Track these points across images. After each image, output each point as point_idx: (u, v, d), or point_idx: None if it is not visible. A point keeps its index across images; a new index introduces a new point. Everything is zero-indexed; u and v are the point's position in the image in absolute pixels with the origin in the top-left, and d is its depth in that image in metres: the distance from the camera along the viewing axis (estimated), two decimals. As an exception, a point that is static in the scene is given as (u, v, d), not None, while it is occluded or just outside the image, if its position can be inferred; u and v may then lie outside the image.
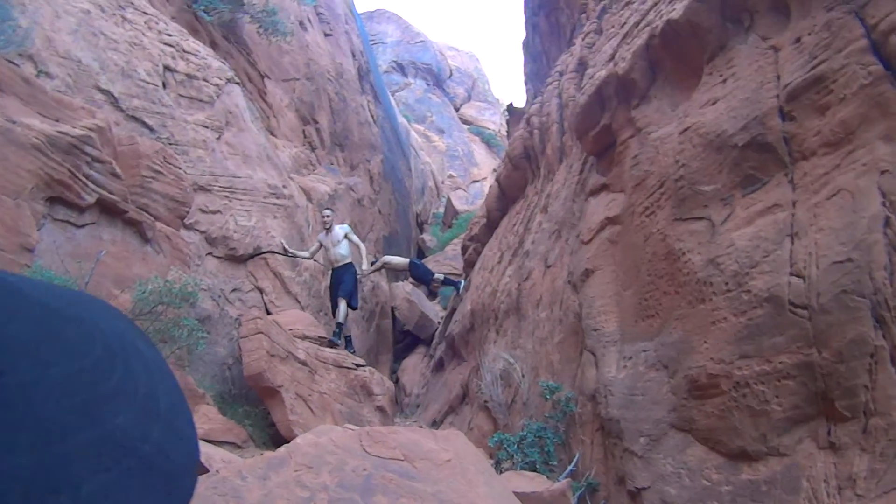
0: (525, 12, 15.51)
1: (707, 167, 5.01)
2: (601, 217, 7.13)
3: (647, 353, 5.45)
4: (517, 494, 5.09)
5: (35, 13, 7.76)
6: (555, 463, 6.60)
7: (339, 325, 11.57)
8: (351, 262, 12.25)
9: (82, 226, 6.87)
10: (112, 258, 7.08)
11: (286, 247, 11.48)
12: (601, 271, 6.88)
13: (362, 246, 12.58)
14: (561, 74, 10.49)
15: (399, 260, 15.93)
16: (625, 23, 7.08)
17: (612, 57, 7.11)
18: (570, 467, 6.25)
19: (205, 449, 5.35)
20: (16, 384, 0.49)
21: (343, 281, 12.00)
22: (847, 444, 3.54)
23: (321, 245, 12.13)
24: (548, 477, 6.26)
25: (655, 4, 6.25)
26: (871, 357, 3.46)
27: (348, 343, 11.84)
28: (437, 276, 16.07)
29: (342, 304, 11.76)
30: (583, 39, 9.40)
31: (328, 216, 12.25)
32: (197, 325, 6.79)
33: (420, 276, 16.19)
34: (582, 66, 9.12)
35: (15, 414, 0.48)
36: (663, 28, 5.83)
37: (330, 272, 12.39)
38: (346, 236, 12.23)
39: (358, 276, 12.38)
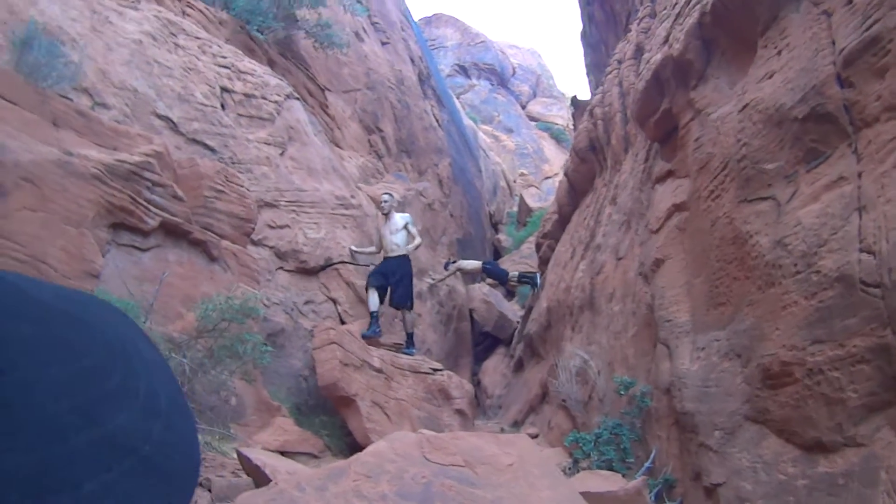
0: (580, 3, 15.34)
1: (769, 144, 4.78)
2: (668, 204, 6.94)
3: (720, 343, 5.24)
4: (591, 495, 4.96)
5: (86, 47, 7.91)
6: (631, 460, 6.44)
7: (410, 336, 11.48)
8: (406, 256, 11.62)
9: (147, 249, 6.98)
10: (179, 278, 7.18)
11: (353, 249, 11.31)
12: (671, 260, 6.69)
13: (418, 240, 11.94)
14: (619, 62, 10.29)
15: (472, 263, 15.94)
16: (676, 3, 6.87)
17: (667, 39, 6.90)
18: (646, 464, 6.08)
19: (273, 462, 5.38)
20: (16, 383, 0.49)
21: (399, 279, 11.37)
22: (929, 432, 3.29)
23: (378, 232, 11.67)
24: (624, 475, 6.12)
25: (704, -20, 6.04)
26: (950, 335, 3.22)
27: (410, 343, 11.52)
28: (512, 274, 16.01)
29: (408, 315, 11.51)
30: (638, 24, 9.21)
31: (386, 201, 11.63)
32: (260, 340, 6.82)
33: (496, 276, 16.18)
34: (639, 51, 8.94)
35: (15, 413, 0.48)
36: (714, 3, 5.62)
37: (381, 261, 11.57)
38: (405, 226, 11.65)
39: (414, 276, 11.90)
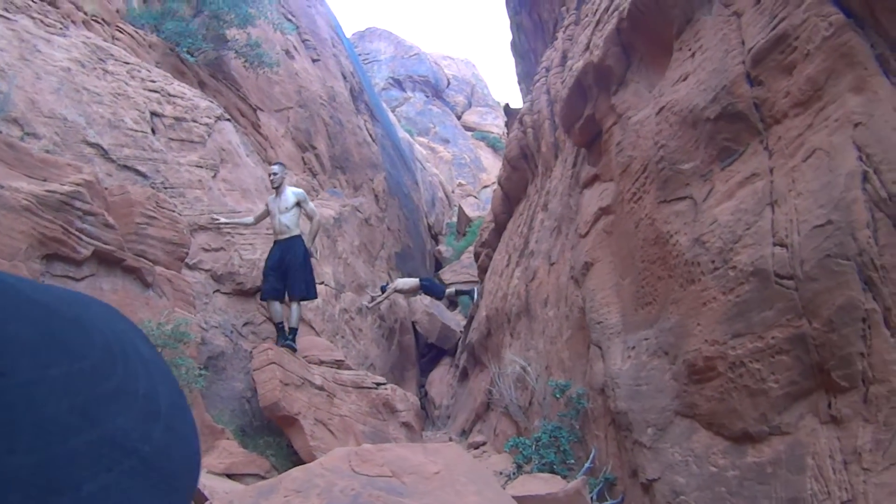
0: (508, 12, 15.49)
1: (684, 145, 4.90)
2: (595, 208, 7.06)
3: (649, 342, 5.34)
4: (532, 497, 5.01)
5: (14, 77, 7.82)
6: (572, 461, 6.51)
7: (293, 331, 9.99)
8: (299, 236, 10.22)
9: (81, 279, 6.90)
10: (115, 306, 7.01)
11: (216, 217, 9.93)
12: (600, 263, 6.79)
13: (316, 218, 10.46)
14: (547, 70, 10.42)
15: (409, 282, 15.96)
16: (597, 9, 6.99)
17: (588, 46, 7.04)
18: (586, 464, 6.15)
19: (212, 483, 5.34)
20: (16, 385, 0.49)
21: (290, 266, 10.01)
22: (849, 416, 3.38)
23: (267, 210, 10.23)
24: (566, 476, 6.18)
25: (620, -14, 6.16)
26: (863, 322, 3.30)
27: (288, 336, 9.96)
28: (448, 291, 16.10)
29: (295, 308, 10.06)
30: (564, 32, 9.35)
31: (276, 173, 10.20)
32: (193, 364, 6.78)
33: (433, 293, 16.21)
34: (565, 59, 9.07)
35: (15, 414, 0.48)
36: (630, 9, 5.75)
37: (272, 245, 10.25)
38: (297, 203, 10.18)
39: (311, 254, 10.44)
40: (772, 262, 3.76)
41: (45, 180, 6.72)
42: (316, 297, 10.93)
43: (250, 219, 10.26)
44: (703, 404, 4.37)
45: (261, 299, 10.14)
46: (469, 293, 15.21)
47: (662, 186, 5.21)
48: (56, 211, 6.48)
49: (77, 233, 6.70)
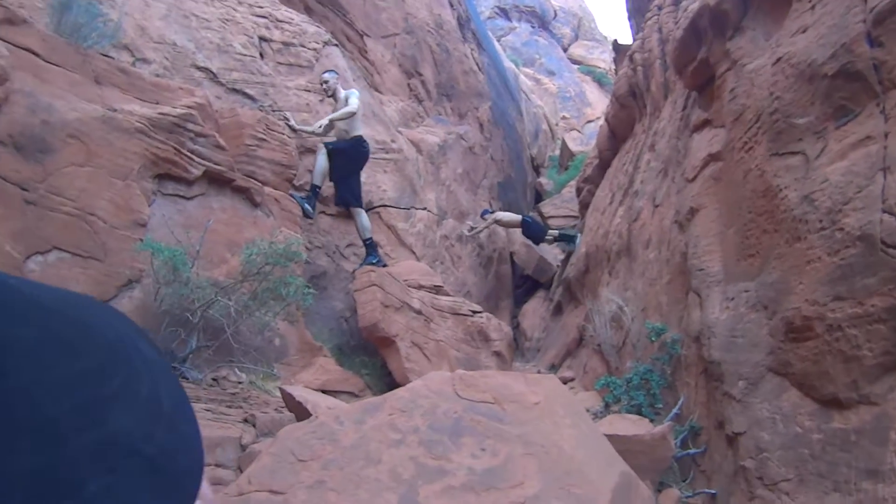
0: (621, -54, 15.09)
1: (800, 99, 4.80)
2: (704, 153, 6.96)
3: (749, 294, 5.32)
4: (619, 437, 5.11)
5: (124, 5, 8.06)
6: (660, 406, 6.57)
7: (365, 243, 9.98)
8: (357, 139, 9.88)
9: (192, 198, 7.21)
10: (223, 225, 7.39)
11: (288, 118, 9.71)
12: (706, 209, 6.72)
13: (348, 109, 9.63)
14: (660, 8, 10.20)
15: (510, 216, 15.84)
16: (715, -49, 6.81)
17: (704, -13, 6.87)
18: (674, 410, 6.21)
19: (314, 398, 5.58)
20: (18, 386, 0.49)
21: (350, 171, 9.89)
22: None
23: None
24: (652, 420, 6.25)
25: (740, -70, 5.99)
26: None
27: (372, 251, 10.01)
28: (550, 233, 15.97)
29: (363, 216, 9.93)
30: (678, -30, 9.12)
31: (326, 81, 9.95)
32: (303, 282, 7.02)
33: (533, 235, 16.06)
34: (679, -3, 8.86)
35: (17, 416, 0.48)
36: (750, -45, 5.61)
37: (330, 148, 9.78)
38: (346, 102, 9.73)
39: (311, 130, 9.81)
40: (879, 228, 3.72)
41: (157, 103, 7.00)
42: (352, 206, 10.08)
43: (317, 126, 9.86)
44: (797, 364, 4.38)
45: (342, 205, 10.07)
46: (570, 239, 15.09)
47: (775, 138, 5.13)
48: (168, 132, 6.79)
49: (189, 153, 7.03)
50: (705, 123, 7.25)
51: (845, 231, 3.99)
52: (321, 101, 10.56)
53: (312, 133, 9.86)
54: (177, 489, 0.59)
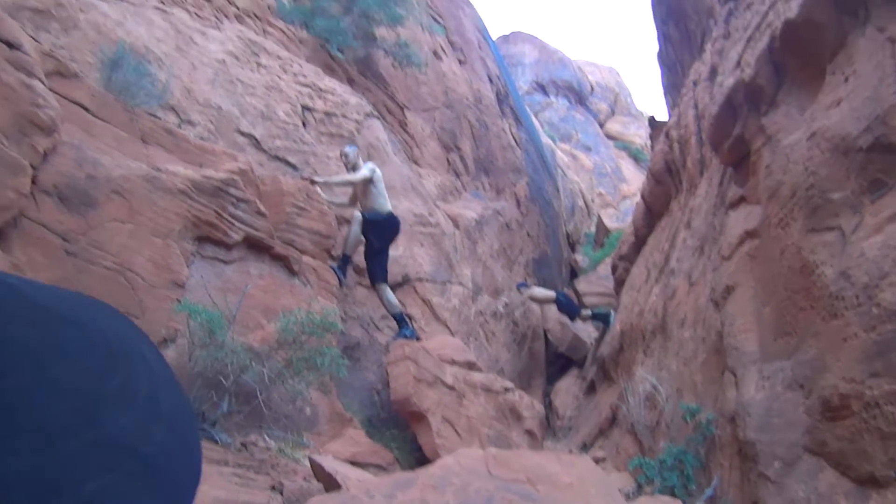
0: (655, 22, 15.18)
1: (835, 173, 4.73)
2: (740, 231, 6.88)
3: (784, 373, 5.18)
4: (652, 521, 4.95)
5: (172, 67, 8.24)
6: (693, 487, 6.37)
7: (399, 314, 9.75)
8: (391, 213, 9.74)
9: (230, 262, 7.26)
10: (260, 291, 7.42)
11: (317, 180, 9.28)
12: (742, 287, 6.61)
13: (355, 177, 9.46)
14: (695, 84, 10.21)
15: (545, 293, 15.81)
16: (748, 26, 6.83)
17: (738, 63, 6.86)
18: (707, 492, 6.01)
19: (344, 470, 5.49)
20: (17, 386, 0.49)
21: (380, 248, 9.69)
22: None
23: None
24: (685, 502, 6.06)
25: (773, 4, 5.99)
26: None
27: (404, 323, 9.76)
28: (584, 311, 15.89)
29: (387, 292, 9.70)
30: (712, 45, 9.13)
31: (346, 154, 9.64)
32: (338, 353, 6.97)
33: (567, 310, 15.99)
34: (714, 73, 8.85)
35: (16, 416, 0.48)
36: (782, 29, 5.58)
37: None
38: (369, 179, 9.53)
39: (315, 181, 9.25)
40: (917, 303, 3.62)
41: (201, 166, 7.10)
42: (377, 281, 9.78)
43: (343, 199, 9.82)
44: (833, 442, 4.23)
45: (372, 283, 9.82)
46: (604, 319, 14.97)
47: (811, 214, 5.05)
48: (210, 196, 6.85)
49: (230, 218, 7.07)
50: (741, 200, 7.18)
51: (882, 307, 3.89)
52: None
53: (325, 183, 9.52)
54: (174, 490, 0.59)
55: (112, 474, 0.52)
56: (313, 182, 9.26)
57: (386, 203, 9.78)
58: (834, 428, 4.23)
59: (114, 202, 5.95)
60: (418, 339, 9.77)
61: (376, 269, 9.74)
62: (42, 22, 6.87)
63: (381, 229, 9.73)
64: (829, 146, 4.81)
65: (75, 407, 0.53)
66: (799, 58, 5.69)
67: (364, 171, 9.51)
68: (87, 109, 6.17)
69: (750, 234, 6.65)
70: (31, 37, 6.10)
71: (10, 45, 4.85)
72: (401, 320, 9.85)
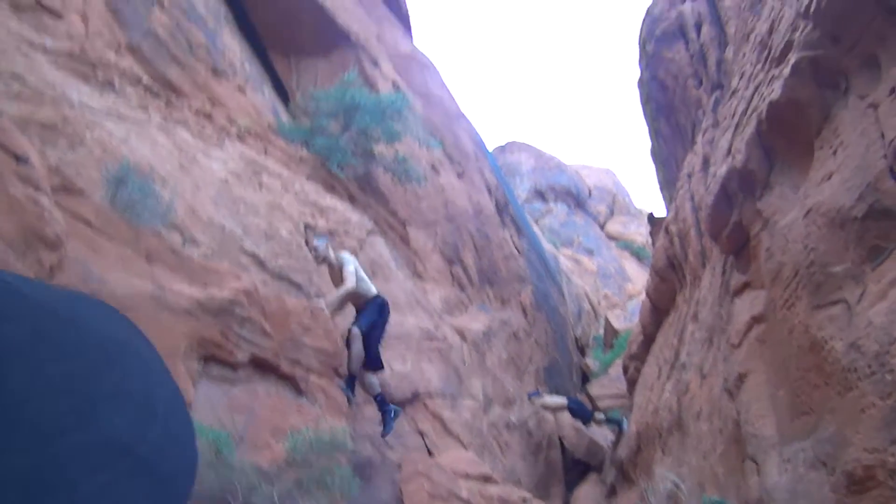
0: (645, 119, 15.46)
1: (834, 247, 4.73)
2: (747, 317, 6.84)
3: (805, 453, 5.05)
4: None
5: (176, 185, 8.33)
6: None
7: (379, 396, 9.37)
8: (379, 295, 9.61)
9: (237, 382, 7.20)
10: (268, 410, 7.33)
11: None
12: (754, 374, 6.54)
13: (348, 286, 9.19)
14: (689, 176, 10.31)
15: (556, 400, 15.74)
16: (734, 112, 6.94)
17: (729, 150, 6.95)
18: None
19: None
20: (12, 385, 0.49)
21: (378, 334, 9.38)
22: None
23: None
24: None
25: (757, 89, 6.10)
26: None
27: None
28: (597, 415, 15.76)
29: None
30: (703, 136, 9.28)
31: (316, 248, 9.48)
32: (349, 472, 6.84)
33: (580, 416, 15.88)
34: (707, 163, 8.97)
35: (11, 415, 0.48)
36: (768, 111, 5.68)
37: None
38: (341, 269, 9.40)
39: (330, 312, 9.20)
40: (931, 365, 3.55)
41: (205, 285, 7.08)
42: (377, 368, 9.48)
43: (337, 301, 9.37)
44: (863, 517, 4.10)
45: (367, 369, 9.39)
46: (618, 423, 14.82)
47: (815, 291, 5.02)
48: (216, 315, 6.82)
49: (235, 337, 7.02)
50: (745, 286, 7.16)
51: (895, 371, 3.81)
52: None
53: (335, 310, 9.38)
54: (170, 489, 0.58)
55: (107, 474, 0.52)
56: (335, 309, 9.28)
57: (370, 287, 9.63)
58: (861, 501, 4.11)
59: (119, 321, 5.93)
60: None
61: (373, 355, 9.37)
62: (50, 137, 6.98)
63: (379, 313, 9.53)
64: (826, 221, 4.82)
65: (71, 406, 0.52)
66: (787, 138, 5.76)
67: (349, 267, 9.34)
68: (92, 226, 6.21)
69: (757, 319, 6.60)
70: (39, 151, 6.20)
71: (19, 158, 4.91)
72: (383, 402, 9.42)
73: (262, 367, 7.48)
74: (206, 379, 6.77)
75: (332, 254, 9.58)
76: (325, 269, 9.86)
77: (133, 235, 6.63)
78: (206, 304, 6.76)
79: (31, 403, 0.49)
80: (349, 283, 9.25)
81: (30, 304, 0.56)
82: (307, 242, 9.92)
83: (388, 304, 9.71)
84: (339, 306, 9.51)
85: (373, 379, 9.41)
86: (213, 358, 6.83)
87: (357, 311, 9.51)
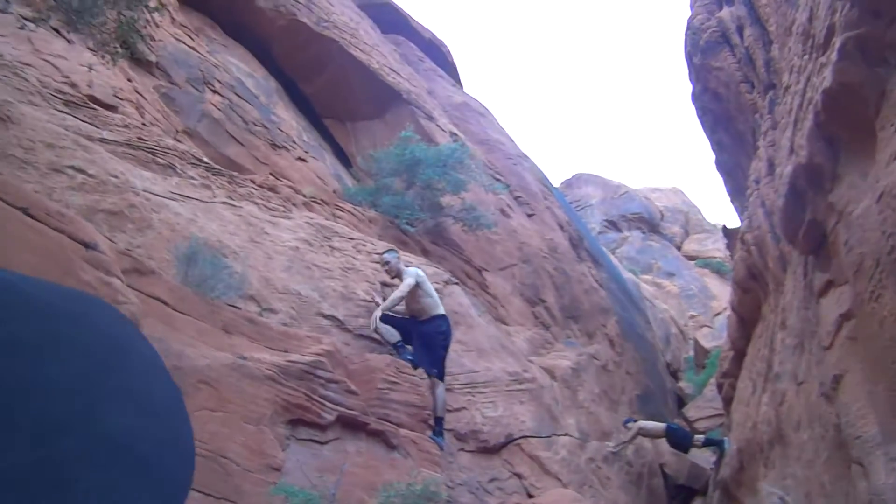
0: (705, 133, 15.28)
1: (913, 227, 4.52)
2: (835, 316, 6.58)
3: (912, 449, 4.81)
4: None
5: (247, 258, 8.54)
6: None
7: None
8: (441, 315, 9.80)
9: (326, 442, 7.27)
10: (360, 468, 7.41)
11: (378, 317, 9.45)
12: (850, 373, 6.27)
13: (405, 288, 9.52)
14: (757, 182, 10.10)
15: (654, 426, 15.34)
16: (791, 109, 6.77)
17: (792, 148, 6.77)
18: None
19: None
20: (14, 383, 0.53)
21: (434, 346, 9.56)
22: None
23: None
24: None
25: (808, 80, 5.95)
26: None
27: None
28: (696, 438, 15.39)
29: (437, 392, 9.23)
30: (764, 139, 9.10)
31: (388, 262, 10.07)
32: (445, 522, 6.80)
33: (679, 443, 15.44)
34: (772, 166, 8.78)
35: (13, 413, 0.52)
36: (823, 101, 5.51)
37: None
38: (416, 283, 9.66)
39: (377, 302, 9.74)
40: None
41: (286, 351, 7.24)
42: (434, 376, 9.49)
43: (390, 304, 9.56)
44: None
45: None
46: (719, 444, 14.40)
47: (900, 277, 4.81)
48: (299, 379, 6.95)
49: (320, 399, 7.15)
50: (829, 285, 6.91)
51: None
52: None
53: (386, 308, 9.56)
54: (169, 487, 0.62)
55: (107, 471, 0.55)
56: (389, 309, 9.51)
57: (438, 306, 9.84)
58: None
59: (202, 392, 6.05)
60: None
61: (436, 364, 9.50)
62: (117, 223, 7.23)
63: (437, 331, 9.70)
64: (899, 202, 4.62)
65: (72, 405, 0.55)
66: (847, 124, 5.58)
67: (409, 278, 9.63)
68: (166, 304, 6.39)
69: (845, 317, 6.34)
70: (107, 237, 6.37)
71: (87, 245, 5.03)
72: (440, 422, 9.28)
73: (351, 425, 7.56)
74: (294, 442, 6.87)
75: (402, 266, 10.02)
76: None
77: (209, 309, 6.80)
78: (289, 368, 6.89)
79: (33, 402, 0.51)
80: (403, 287, 9.55)
81: (34, 304, 0.57)
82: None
83: (448, 321, 9.94)
84: (390, 308, 9.61)
85: (443, 393, 9.36)
86: (300, 421, 6.94)
87: (418, 321, 9.73)
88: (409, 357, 9.32)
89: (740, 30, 10.53)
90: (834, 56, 5.21)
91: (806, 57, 6.10)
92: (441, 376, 9.50)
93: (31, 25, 7.66)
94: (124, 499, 0.50)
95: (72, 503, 0.47)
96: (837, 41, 5.15)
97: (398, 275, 9.99)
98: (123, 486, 0.50)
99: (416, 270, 9.93)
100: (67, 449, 0.47)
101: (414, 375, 8.82)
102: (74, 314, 0.58)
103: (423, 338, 9.62)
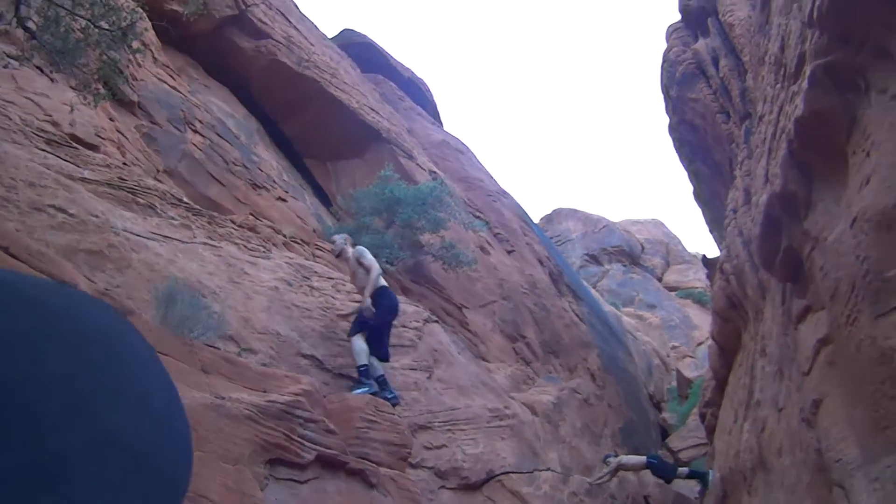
0: (683, 164, 15.46)
1: (885, 251, 4.62)
2: (813, 341, 6.65)
3: (892, 469, 4.85)
4: None
5: (227, 298, 8.51)
6: None
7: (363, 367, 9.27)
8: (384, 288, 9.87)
9: (305, 481, 7.20)
10: (340, 509, 7.30)
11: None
12: (829, 397, 6.33)
13: (374, 274, 9.67)
14: (734, 212, 10.22)
15: (635, 459, 15.26)
16: (765, 138, 6.89)
17: (766, 176, 6.88)
18: None
19: None
20: (9, 381, 0.49)
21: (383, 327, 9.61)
22: None
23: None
24: None
25: (781, 109, 6.07)
26: None
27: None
28: (680, 470, 15.36)
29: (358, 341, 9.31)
30: (740, 169, 9.22)
31: (336, 240, 10.38)
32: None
33: (662, 475, 15.39)
34: (748, 195, 8.89)
35: (7, 411, 0.48)
36: (795, 129, 5.62)
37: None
38: (358, 261, 9.92)
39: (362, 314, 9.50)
40: None
41: (264, 391, 7.19)
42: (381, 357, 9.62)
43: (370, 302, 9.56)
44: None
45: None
46: (702, 477, 14.36)
47: (874, 300, 4.88)
48: (278, 419, 6.89)
49: (299, 439, 7.08)
50: (807, 311, 6.99)
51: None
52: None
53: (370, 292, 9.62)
54: (166, 486, 0.58)
55: (103, 471, 0.52)
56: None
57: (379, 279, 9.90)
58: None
59: (180, 433, 5.99)
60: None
61: (381, 347, 9.61)
62: (97, 263, 7.21)
63: (381, 306, 9.70)
64: (872, 225, 4.72)
65: (67, 402, 0.52)
66: (819, 151, 5.69)
67: (368, 255, 9.99)
68: (146, 344, 6.34)
69: (823, 342, 6.42)
70: (87, 277, 6.36)
71: (65, 285, 5.04)
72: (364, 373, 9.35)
73: (330, 464, 7.51)
74: (273, 482, 6.82)
75: (349, 248, 10.13)
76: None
77: (187, 350, 6.79)
78: (267, 408, 6.85)
79: (28, 400, 0.49)
80: (375, 266, 9.77)
81: (26, 300, 0.57)
82: None
83: (395, 297, 10.22)
84: (372, 290, 9.67)
85: (375, 362, 9.44)
86: (279, 461, 6.89)
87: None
88: (389, 395, 9.28)
89: (716, 61, 10.71)
90: (805, 84, 5.32)
91: (778, 86, 6.22)
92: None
93: (15, 63, 7.69)
94: (122, 496, 0.52)
95: (68, 502, 0.49)
96: (808, 69, 5.26)
97: (342, 254, 10.24)
98: (121, 482, 0.52)
99: (363, 248, 10.22)
100: (64, 446, 0.50)
101: (393, 414, 8.79)
102: (70, 312, 0.61)
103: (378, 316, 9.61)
